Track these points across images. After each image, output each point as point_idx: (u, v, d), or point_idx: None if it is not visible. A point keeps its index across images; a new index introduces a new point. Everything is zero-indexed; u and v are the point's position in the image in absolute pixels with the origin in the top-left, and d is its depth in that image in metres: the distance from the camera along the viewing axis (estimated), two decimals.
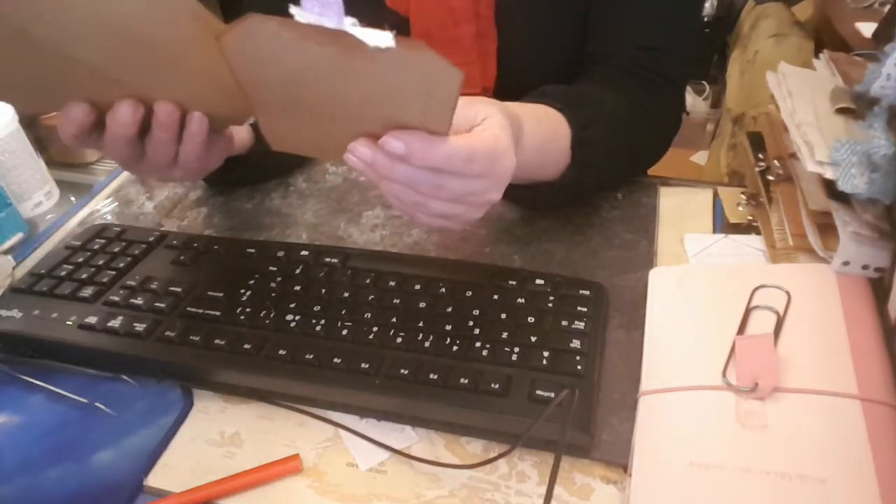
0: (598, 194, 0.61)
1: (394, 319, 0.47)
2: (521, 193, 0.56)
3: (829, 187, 0.46)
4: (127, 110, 0.43)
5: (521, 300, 0.48)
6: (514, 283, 0.49)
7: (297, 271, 0.52)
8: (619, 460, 0.41)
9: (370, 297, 0.49)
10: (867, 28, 1.17)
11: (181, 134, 0.46)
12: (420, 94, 0.36)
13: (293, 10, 0.31)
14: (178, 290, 0.52)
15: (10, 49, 0.39)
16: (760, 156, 0.57)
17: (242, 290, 0.51)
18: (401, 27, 0.62)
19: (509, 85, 0.55)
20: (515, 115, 0.46)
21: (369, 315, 0.48)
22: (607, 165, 0.55)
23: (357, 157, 0.40)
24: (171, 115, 0.44)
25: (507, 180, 0.42)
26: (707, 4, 1.87)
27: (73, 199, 0.75)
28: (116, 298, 0.52)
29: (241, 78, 0.39)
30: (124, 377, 0.49)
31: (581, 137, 0.51)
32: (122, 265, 0.55)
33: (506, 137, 0.41)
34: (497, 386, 0.42)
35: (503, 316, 0.47)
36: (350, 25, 0.31)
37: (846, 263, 0.45)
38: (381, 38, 0.31)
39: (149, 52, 0.39)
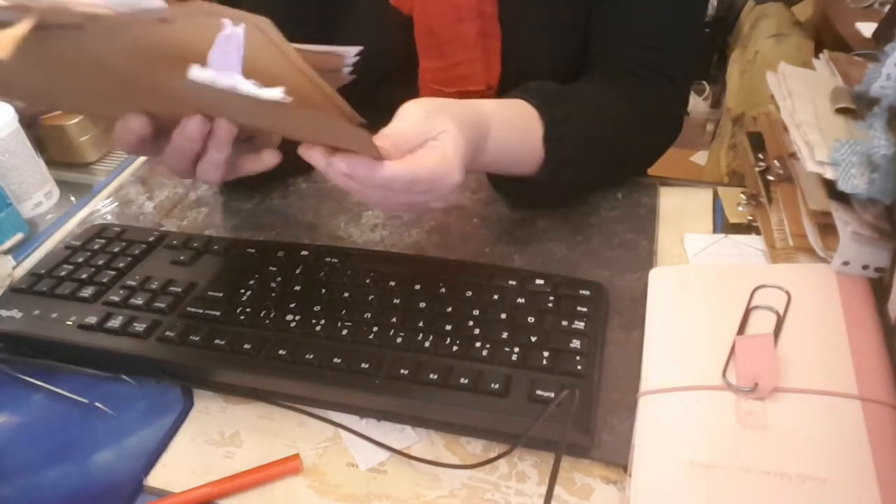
0: (594, 193, 0.61)
1: (394, 319, 0.47)
2: (508, 186, 0.56)
3: (829, 187, 0.46)
4: (196, 126, 0.43)
5: (521, 300, 0.48)
6: (514, 283, 0.49)
7: (297, 271, 0.52)
8: (619, 460, 0.41)
9: (370, 297, 0.49)
10: (867, 28, 1.17)
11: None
12: (336, 135, 0.39)
13: (191, 72, 0.33)
14: (178, 290, 0.52)
15: (87, 72, 0.40)
16: (760, 156, 0.57)
17: (242, 290, 0.51)
18: (404, 25, 0.62)
19: (513, 82, 0.55)
20: (481, 122, 0.47)
21: (369, 315, 0.48)
22: (588, 162, 0.55)
23: (313, 161, 0.42)
24: (230, 130, 0.45)
25: (452, 192, 0.44)
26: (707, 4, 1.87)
27: (73, 199, 0.75)
28: (116, 298, 0.52)
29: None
30: (124, 377, 0.49)
31: (554, 134, 0.51)
32: (122, 265, 0.55)
33: (454, 156, 0.43)
34: (497, 386, 0.42)
35: (503, 316, 0.47)
36: (248, 87, 0.34)
37: (846, 263, 0.45)
38: (271, 95, 0.34)
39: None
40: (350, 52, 0.45)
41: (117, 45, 0.36)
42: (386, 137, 0.42)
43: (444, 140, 0.43)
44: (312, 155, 0.42)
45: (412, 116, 0.44)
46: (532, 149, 0.51)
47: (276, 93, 0.33)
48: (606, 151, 0.57)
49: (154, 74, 0.37)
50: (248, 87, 0.34)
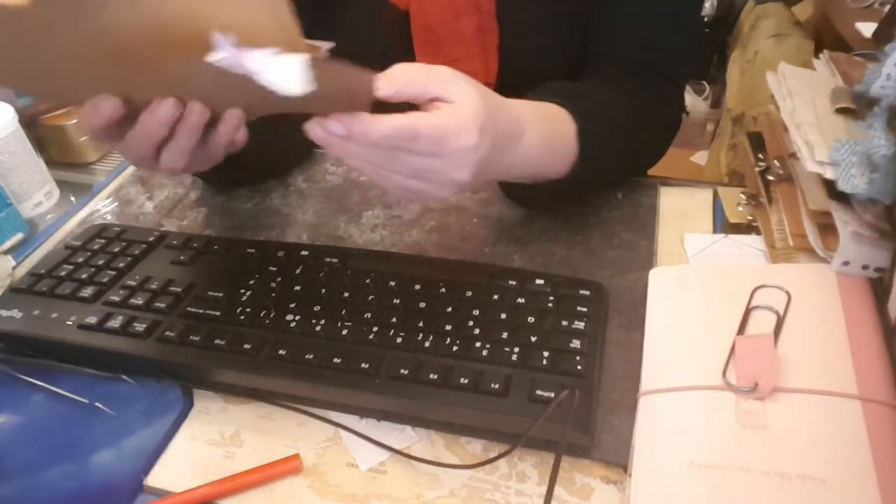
0: (597, 194, 0.61)
1: (394, 319, 0.47)
2: (529, 193, 0.55)
3: (829, 187, 0.46)
4: (167, 110, 0.42)
5: (521, 300, 0.48)
6: (514, 283, 0.49)
7: (297, 271, 0.52)
8: (619, 460, 0.41)
9: (370, 297, 0.49)
10: (867, 28, 1.17)
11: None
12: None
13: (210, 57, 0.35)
14: (178, 290, 0.52)
15: (86, 44, 0.39)
16: (760, 156, 0.57)
17: (242, 290, 0.51)
18: (400, 21, 0.62)
19: (511, 80, 0.55)
20: (511, 118, 0.46)
21: (369, 315, 0.48)
22: (611, 159, 0.55)
23: (312, 136, 0.41)
24: (202, 115, 0.43)
25: (469, 160, 0.41)
26: (707, 4, 1.87)
27: (73, 199, 0.75)
28: (116, 298, 0.52)
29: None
30: (124, 377, 0.49)
31: (586, 129, 0.51)
32: (122, 265, 0.55)
33: (468, 116, 0.40)
34: (497, 386, 0.42)
35: (503, 316, 0.47)
36: (266, 58, 0.35)
37: (846, 263, 0.45)
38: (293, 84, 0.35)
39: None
40: (322, 47, 0.44)
41: (137, 12, 0.36)
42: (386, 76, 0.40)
43: (459, 102, 0.40)
44: (312, 128, 0.40)
45: (425, 68, 0.41)
46: (566, 144, 0.51)
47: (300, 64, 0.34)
48: (619, 151, 0.57)
49: (166, 51, 0.37)
50: (269, 63, 0.34)
